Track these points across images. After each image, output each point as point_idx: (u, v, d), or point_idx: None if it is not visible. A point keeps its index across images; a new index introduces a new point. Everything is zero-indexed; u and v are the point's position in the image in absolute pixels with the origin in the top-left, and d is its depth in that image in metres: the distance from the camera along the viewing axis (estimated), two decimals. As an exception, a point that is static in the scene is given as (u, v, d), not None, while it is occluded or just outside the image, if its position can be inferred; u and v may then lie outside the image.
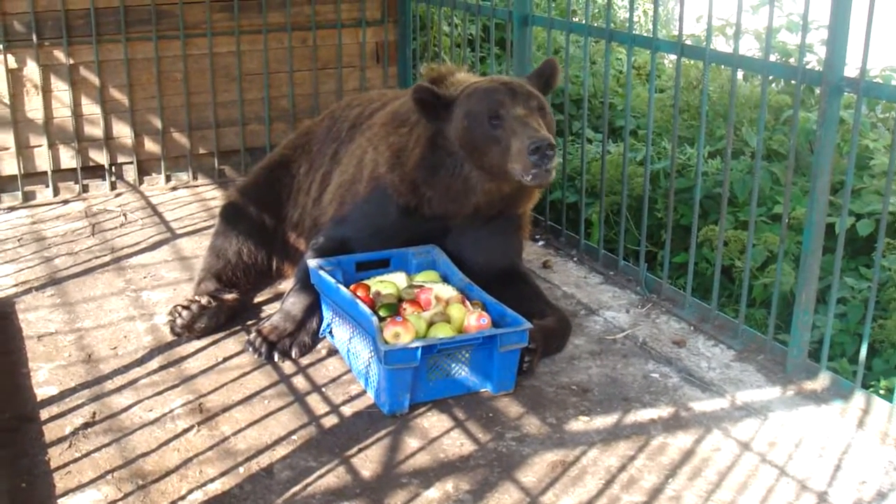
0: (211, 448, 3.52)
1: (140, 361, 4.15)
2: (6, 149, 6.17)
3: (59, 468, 3.38)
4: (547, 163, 3.83)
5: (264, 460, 3.45)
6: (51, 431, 3.61)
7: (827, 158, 3.85)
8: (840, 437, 3.65)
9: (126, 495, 3.26)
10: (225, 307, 4.45)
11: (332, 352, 4.24)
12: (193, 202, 6.26)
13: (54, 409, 3.76)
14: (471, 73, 4.45)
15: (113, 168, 6.46)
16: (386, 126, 4.46)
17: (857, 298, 4.82)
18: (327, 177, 4.77)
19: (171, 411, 3.76)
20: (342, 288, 4.03)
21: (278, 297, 4.72)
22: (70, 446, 3.52)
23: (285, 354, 4.17)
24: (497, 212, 4.28)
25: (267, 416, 3.75)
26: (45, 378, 4.00)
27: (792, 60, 6.10)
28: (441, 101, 4.09)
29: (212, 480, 3.34)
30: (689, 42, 5.04)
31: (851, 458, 3.53)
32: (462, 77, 4.34)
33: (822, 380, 3.98)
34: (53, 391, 3.90)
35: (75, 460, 3.43)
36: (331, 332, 4.26)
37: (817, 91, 5.40)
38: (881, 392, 4.25)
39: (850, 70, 3.83)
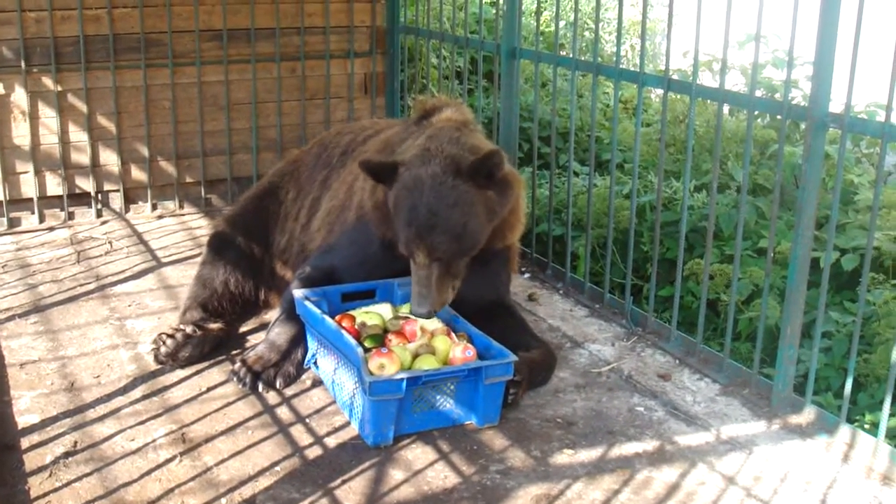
0: (193, 478, 3.49)
1: (123, 390, 4.12)
2: (-8, 175, 6.16)
3: (38, 498, 3.35)
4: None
5: (247, 491, 3.43)
6: (31, 460, 3.57)
7: (812, 193, 3.87)
8: (825, 472, 3.64)
9: (106, 526, 3.23)
10: (210, 337, 4.43)
11: (317, 382, 4.22)
12: (179, 231, 6.25)
13: (35, 438, 3.72)
14: (456, 112, 4.39)
15: (99, 195, 6.45)
16: (377, 154, 4.46)
17: (841, 333, 4.83)
18: (317, 202, 4.76)
19: (154, 441, 3.74)
20: (327, 319, 4.01)
21: (263, 326, 4.71)
22: (51, 475, 3.48)
23: (270, 385, 4.15)
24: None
25: (250, 446, 3.72)
26: (26, 406, 3.97)
27: (777, 96, 6.14)
28: (387, 169, 4.02)
29: (193, 511, 3.32)
30: (675, 77, 5.07)
31: (836, 492, 3.52)
32: (441, 119, 4.27)
33: (808, 414, 3.98)
34: (35, 419, 3.86)
35: (56, 490, 3.40)
36: (315, 363, 4.24)
37: (802, 126, 5.45)
38: (866, 427, 4.25)
39: (835, 106, 3.86)
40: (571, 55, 5.25)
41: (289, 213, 4.91)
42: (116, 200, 6.51)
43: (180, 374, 4.27)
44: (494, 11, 6.16)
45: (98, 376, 4.24)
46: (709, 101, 5.87)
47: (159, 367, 4.30)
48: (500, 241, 4.25)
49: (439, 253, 3.88)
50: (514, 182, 4.14)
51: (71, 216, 6.37)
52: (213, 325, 4.52)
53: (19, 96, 6.09)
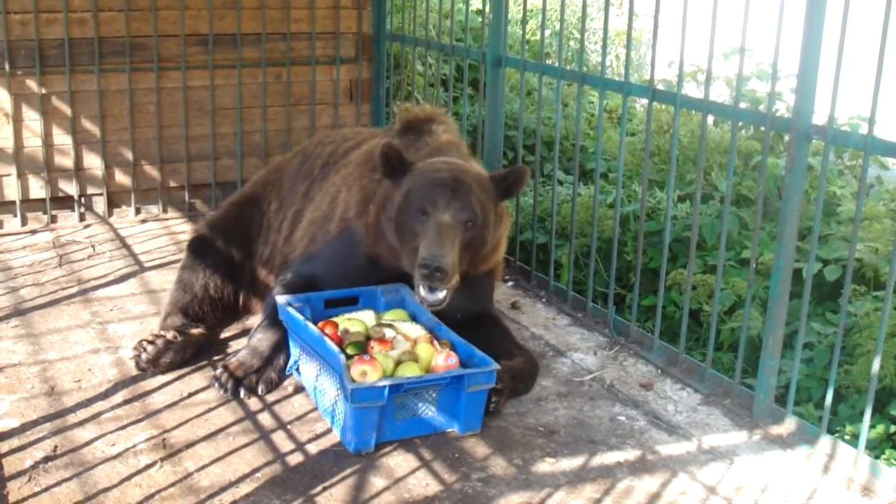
0: (174, 484, 3.48)
1: (104, 395, 4.10)
2: (-26, 177, 6.13)
3: (18, 502, 3.32)
4: (432, 292, 3.85)
5: (227, 498, 3.41)
6: (10, 464, 3.55)
7: (795, 204, 3.89)
8: (806, 482, 3.66)
9: (85, 531, 3.22)
10: (191, 342, 4.42)
11: (299, 389, 4.21)
12: (163, 235, 6.23)
13: (15, 442, 3.70)
14: (448, 129, 4.38)
15: (82, 199, 6.42)
16: (361, 167, 4.46)
17: (823, 344, 4.85)
18: (299, 214, 4.75)
19: (135, 446, 3.72)
20: (310, 325, 4.01)
21: (245, 332, 4.69)
22: (30, 480, 3.46)
23: (251, 391, 4.14)
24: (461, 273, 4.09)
25: (231, 452, 3.71)
26: (6, 410, 3.94)
27: (761, 107, 6.17)
28: (402, 164, 4.07)
29: (173, 517, 3.30)
30: (660, 87, 5.10)
31: (817, 503, 3.53)
32: (437, 134, 4.26)
33: (789, 424, 3.99)
34: (15, 423, 3.84)
35: (35, 494, 3.38)
36: (298, 369, 4.23)
37: (786, 138, 5.47)
38: (846, 437, 4.27)
39: (819, 118, 3.88)
40: (557, 64, 5.26)
41: (272, 224, 4.90)
42: (100, 204, 6.48)
43: (161, 379, 4.25)
44: (480, 20, 6.16)
45: (79, 381, 4.22)
46: (693, 111, 5.89)
47: (140, 372, 4.28)
48: (473, 270, 4.23)
49: (467, 214, 3.87)
50: (506, 218, 4.18)
51: (53, 219, 6.34)
52: (195, 331, 4.50)
53: (3, 98, 6.06)
